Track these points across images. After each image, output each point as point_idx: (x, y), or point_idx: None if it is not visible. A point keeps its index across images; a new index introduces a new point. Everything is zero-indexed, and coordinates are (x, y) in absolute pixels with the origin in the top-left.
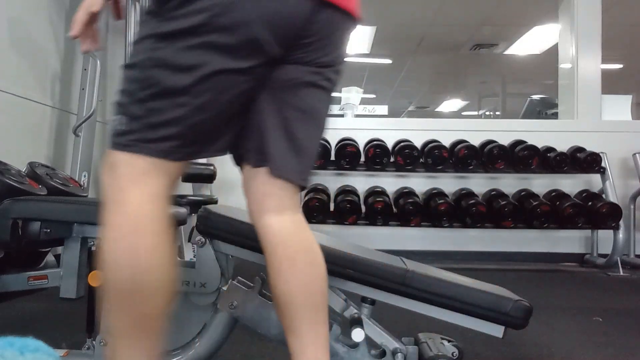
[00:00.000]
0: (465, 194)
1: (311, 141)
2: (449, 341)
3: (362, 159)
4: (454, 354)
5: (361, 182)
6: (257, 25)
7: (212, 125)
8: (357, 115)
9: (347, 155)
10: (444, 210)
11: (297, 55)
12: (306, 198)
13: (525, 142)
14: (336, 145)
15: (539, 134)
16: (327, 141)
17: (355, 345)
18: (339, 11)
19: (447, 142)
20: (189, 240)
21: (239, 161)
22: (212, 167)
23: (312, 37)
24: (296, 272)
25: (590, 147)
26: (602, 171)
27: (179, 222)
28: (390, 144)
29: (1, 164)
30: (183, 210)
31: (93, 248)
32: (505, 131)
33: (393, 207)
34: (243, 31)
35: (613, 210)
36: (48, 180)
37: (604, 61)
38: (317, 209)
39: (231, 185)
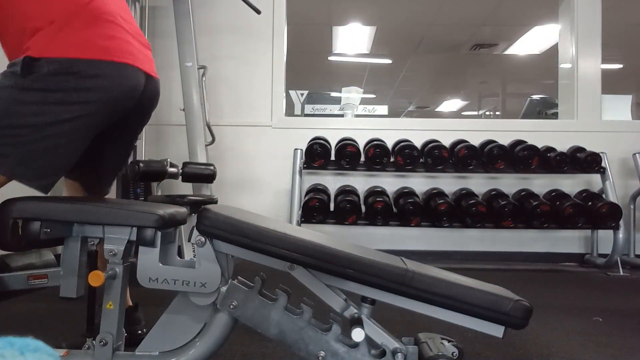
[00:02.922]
0: (465, 194)
1: None
2: (449, 341)
3: (362, 159)
4: (454, 354)
5: (361, 182)
6: None
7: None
8: (357, 115)
9: (347, 155)
10: (444, 210)
11: None
12: (306, 198)
13: (525, 142)
14: (336, 145)
15: (539, 134)
16: (327, 141)
17: (355, 345)
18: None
19: (447, 142)
20: (189, 240)
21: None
22: (212, 167)
23: None
24: None
25: (590, 147)
26: (602, 171)
27: (179, 222)
28: (390, 144)
29: None
30: (183, 210)
31: (93, 248)
32: (505, 131)
33: (393, 207)
34: None
35: (613, 210)
36: None
37: (604, 61)
38: (317, 209)
39: (231, 185)
